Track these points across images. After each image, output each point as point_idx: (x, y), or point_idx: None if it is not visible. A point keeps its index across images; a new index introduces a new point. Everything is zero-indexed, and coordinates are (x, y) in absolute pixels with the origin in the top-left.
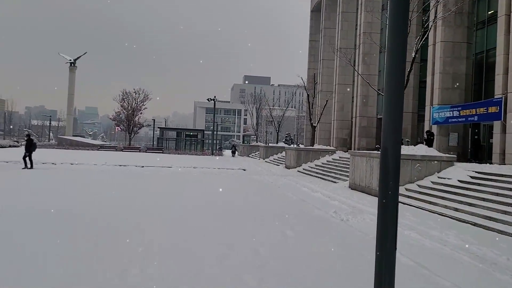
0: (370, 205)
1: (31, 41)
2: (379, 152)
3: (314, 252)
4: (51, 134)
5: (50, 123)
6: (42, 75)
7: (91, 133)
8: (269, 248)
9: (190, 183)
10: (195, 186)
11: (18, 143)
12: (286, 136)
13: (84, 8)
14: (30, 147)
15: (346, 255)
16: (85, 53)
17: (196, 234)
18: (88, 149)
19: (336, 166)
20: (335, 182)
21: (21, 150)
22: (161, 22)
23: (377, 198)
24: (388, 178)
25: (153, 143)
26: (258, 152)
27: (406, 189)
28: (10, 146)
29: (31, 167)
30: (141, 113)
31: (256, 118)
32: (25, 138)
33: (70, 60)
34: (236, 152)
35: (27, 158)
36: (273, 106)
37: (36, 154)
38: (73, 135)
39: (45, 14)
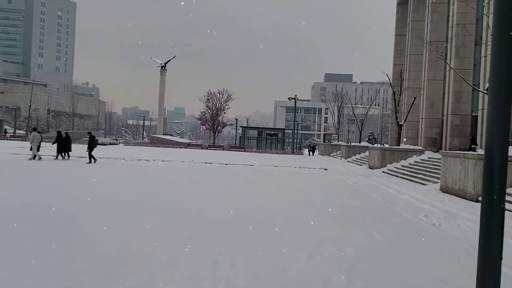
0: (465, 210)
1: (124, 47)
2: (475, 152)
3: (404, 257)
4: (144, 133)
5: (143, 123)
6: (137, 78)
7: (179, 132)
8: (355, 250)
9: (273, 181)
10: (278, 185)
11: (117, 141)
12: (369, 135)
13: (171, 12)
14: (91, 143)
15: (441, 263)
16: (174, 57)
17: (284, 233)
18: (176, 147)
19: (425, 167)
20: (424, 184)
21: (119, 148)
22: (239, 21)
23: (472, 202)
24: (493, 181)
25: (235, 141)
26: (340, 151)
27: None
28: (110, 144)
29: (94, 161)
30: (224, 112)
31: (338, 117)
32: (87, 136)
33: (161, 63)
34: (316, 151)
35: (90, 153)
36: (355, 104)
37: (131, 151)
38: (163, 134)
39: (135, 20)
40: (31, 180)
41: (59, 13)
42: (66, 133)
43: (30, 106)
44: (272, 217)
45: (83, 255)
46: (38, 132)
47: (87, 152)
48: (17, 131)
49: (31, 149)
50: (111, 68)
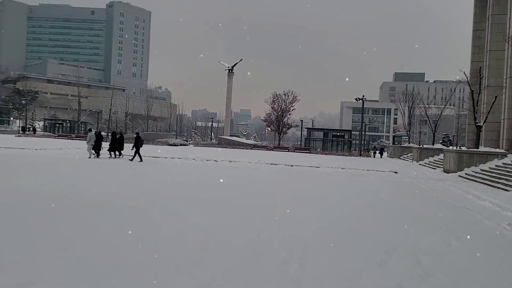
0: None
1: (194, 51)
2: None
3: (486, 268)
4: (212, 134)
5: (212, 124)
6: (205, 82)
7: (245, 133)
8: (431, 258)
9: (340, 184)
10: (345, 188)
11: (187, 142)
12: (443, 137)
13: (238, 15)
14: (137, 143)
15: None
16: (241, 60)
17: (355, 236)
18: (242, 148)
19: (508, 171)
20: (507, 190)
21: (189, 149)
22: (303, 21)
23: None
24: None
25: (300, 143)
26: (411, 154)
27: None
28: (181, 145)
29: (140, 160)
30: (289, 114)
31: (408, 118)
32: (134, 136)
33: (228, 67)
34: (384, 153)
35: (137, 152)
36: (428, 104)
37: (200, 152)
38: (230, 135)
39: (204, 25)
40: (112, 176)
41: (136, 22)
42: (120, 133)
43: (110, 109)
44: (340, 220)
45: (161, 248)
46: (98, 133)
47: (133, 151)
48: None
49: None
50: (182, 72)
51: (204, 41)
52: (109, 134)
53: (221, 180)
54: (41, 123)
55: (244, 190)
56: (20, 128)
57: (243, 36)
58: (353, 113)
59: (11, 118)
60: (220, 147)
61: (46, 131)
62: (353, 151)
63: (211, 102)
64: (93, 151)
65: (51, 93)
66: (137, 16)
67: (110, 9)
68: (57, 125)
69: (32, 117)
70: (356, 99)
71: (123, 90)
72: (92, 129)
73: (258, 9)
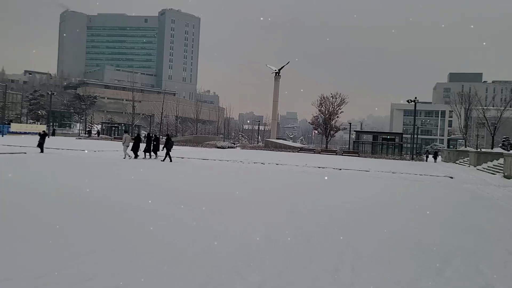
0: None
1: (241, 55)
2: None
3: None
4: (259, 137)
5: (258, 127)
6: (252, 85)
7: (291, 136)
8: (493, 268)
9: (394, 189)
10: (399, 194)
11: (234, 145)
12: (503, 141)
13: (285, 18)
14: (167, 144)
15: None
16: (287, 63)
17: (409, 245)
18: (289, 151)
19: None
20: None
21: (237, 151)
22: (351, 20)
23: None
24: None
25: (348, 146)
26: (467, 158)
27: None
28: (228, 147)
29: (170, 160)
30: (337, 116)
31: (465, 120)
32: (165, 137)
33: (275, 70)
34: (438, 157)
35: (167, 153)
36: (486, 106)
37: (247, 154)
38: (277, 138)
39: (250, 28)
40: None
41: (186, 28)
42: (155, 135)
43: (161, 113)
44: (396, 226)
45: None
46: (137, 135)
47: (164, 152)
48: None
49: (142, 150)
50: (229, 76)
51: (252, 45)
52: (163, 136)
53: (270, 183)
54: (99, 126)
55: (294, 193)
56: (86, 131)
57: (290, 39)
58: (404, 115)
59: (73, 122)
60: (266, 150)
61: (103, 134)
62: (405, 155)
63: (258, 105)
64: (130, 152)
65: (108, 98)
66: (187, 23)
67: (162, 16)
68: (113, 128)
69: (91, 121)
70: (407, 101)
71: (174, 94)
72: (135, 132)
73: (305, 11)
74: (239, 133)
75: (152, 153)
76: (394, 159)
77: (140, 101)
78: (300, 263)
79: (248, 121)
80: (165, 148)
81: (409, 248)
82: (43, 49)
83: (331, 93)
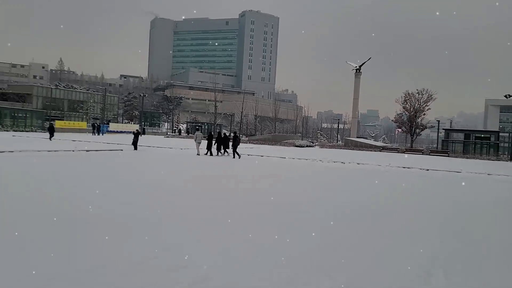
0: None
1: (320, 53)
2: None
3: None
4: (338, 136)
5: (338, 126)
6: (331, 83)
7: (373, 135)
8: None
9: (495, 192)
10: (501, 198)
11: (313, 143)
12: None
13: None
14: (235, 142)
15: None
16: (369, 59)
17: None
18: (370, 150)
19: None
20: None
21: (315, 150)
22: (438, 15)
23: None
24: None
25: (436, 145)
26: None
27: None
28: (307, 146)
29: (239, 157)
30: (424, 114)
31: None
32: (232, 135)
33: (356, 67)
34: None
35: (234, 150)
36: None
37: (327, 153)
38: (357, 137)
39: (326, 26)
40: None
41: (265, 28)
42: (225, 134)
43: (241, 112)
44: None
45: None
46: (209, 133)
47: (232, 149)
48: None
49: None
50: (307, 74)
51: (331, 42)
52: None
53: (352, 183)
54: (184, 125)
55: (380, 194)
56: (177, 130)
57: (370, 34)
58: (500, 112)
59: (161, 122)
60: (346, 149)
61: (188, 133)
62: (501, 155)
63: (337, 103)
64: (199, 150)
65: (192, 99)
66: (266, 23)
67: (242, 18)
68: (197, 127)
69: (178, 120)
70: (505, 96)
71: (253, 94)
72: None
73: (386, 4)
74: (318, 131)
75: (223, 150)
76: (489, 159)
77: (221, 101)
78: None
79: (326, 120)
80: (232, 146)
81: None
82: (136, 54)
83: (417, 89)
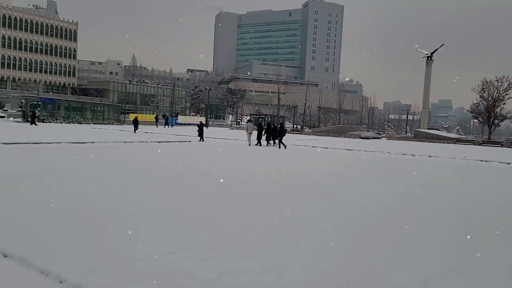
0: None
1: (386, 41)
2: None
3: None
4: (407, 127)
5: (407, 117)
6: (399, 73)
7: (445, 126)
8: None
9: None
10: None
11: (379, 135)
12: None
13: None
14: (281, 132)
15: None
16: (442, 45)
17: None
18: (443, 142)
19: None
20: None
21: (382, 142)
22: None
23: None
24: None
25: None
26: None
27: None
28: (373, 138)
29: (285, 147)
30: (504, 103)
31: None
32: (278, 126)
33: (427, 54)
34: None
35: (280, 140)
36: None
37: (395, 145)
38: (428, 128)
39: (394, 12)
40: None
41: (329, 18)
42: (274, 125)
43: (305, 104)
44: None
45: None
46: (259, 124)
47: (278, 140)
48: (295, 126)
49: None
50: (373, 63)
51: (398, 29)
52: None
53: (430, 178)
54: (247, 117)
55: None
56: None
57: (443, 19)
58: None
59: (226, 114)
60: (416, 141)
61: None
62: None
63: (405, 93)
64: (254, 140)
65: (255, 91)
66: (330, 12)
67: (305, 8)
68: (260, 119)
69: (241, 113)
70: None
71: (316, 85)
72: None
73: None
74: (385, 123)
75: (272, 141)
76: None
77: (284, 93)
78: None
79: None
80: (278, 137)
81: None
82: (202, 49)
83: (496, 77)
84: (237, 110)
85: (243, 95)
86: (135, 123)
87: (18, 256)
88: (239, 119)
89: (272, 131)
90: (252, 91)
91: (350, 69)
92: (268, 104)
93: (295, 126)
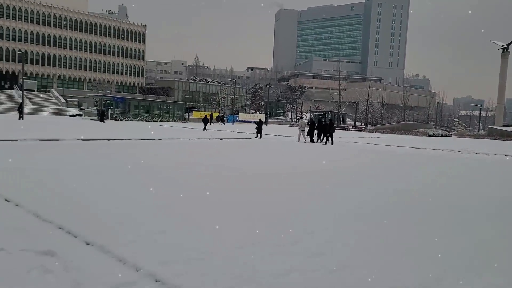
0: None
1: (456, 34)
2: None
3: None
4: (480, 124)
5: (480, 113)
6: (470, 66)
7: None
8: None
9: None
10: None
11: (449, 133)
12: None
13: None
14: (330, 129)
15: None
16: None
17: None
18: None
19: None
20: None
21: (452, 140)
22: None
23: None
24: None
25: None
26: None
27: None
28: (442, 136)
29: (331, 143)
30: None
31: None
32: (328, 122)
33: (503, 45)
34: None
35: (330, 136)
36: None
37: (466, 143)
38: (503, 125)
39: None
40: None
41: (394, 10)
42: (325, 122)
43: (367, 100)
44: None
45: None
46: (311, 121)
47: (327, 136)
48: (357, 123)
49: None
50: (442, 57)
51: (469, 20)
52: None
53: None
54: (308, 115)
55: None
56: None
57: None
58: None
59: (285, 111)
60: (490, 139)
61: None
62: None
63: (477, 88)
64: (307, 137)
65: (315, 88)
66: (395, 4)
67: (368, 2)
68: (320, 116)
69: (301, 110)
70: None
71: (379, 80)
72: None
73: None
74: (455, 119)
75: (323, 137)
76: None
77: (345, 89)
78: None
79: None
80: (328, 133)
81: None
82: (262, 47)
83: None
84: (296, 107)
85: (302, 92)
86: (205, 121)
87: (99, 244)
88: (299, 116)
89: (322, 128)
90: (312, 88)
91: (416, 63)
92: (328, 101)
93: (357, 123)
